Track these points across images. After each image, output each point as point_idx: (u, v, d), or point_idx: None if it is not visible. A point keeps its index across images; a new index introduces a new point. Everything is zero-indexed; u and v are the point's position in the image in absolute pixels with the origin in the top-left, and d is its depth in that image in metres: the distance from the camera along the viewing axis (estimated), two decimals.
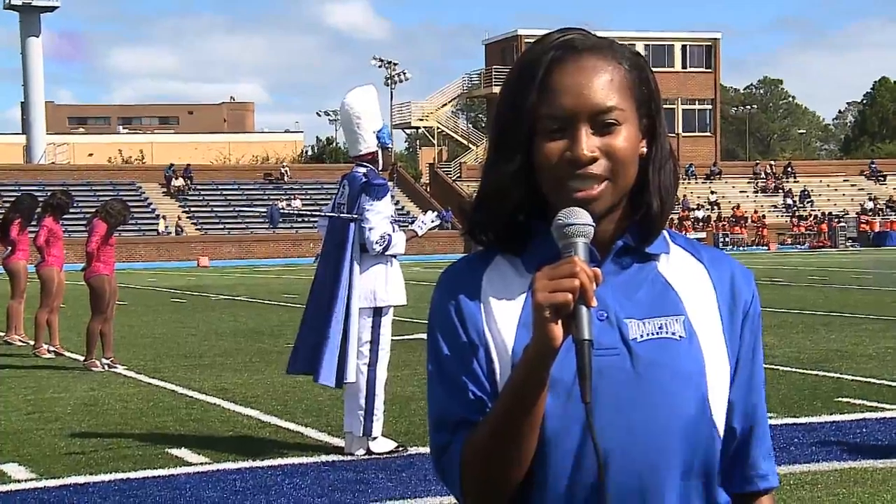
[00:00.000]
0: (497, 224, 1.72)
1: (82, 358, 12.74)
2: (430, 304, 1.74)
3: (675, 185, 1.74)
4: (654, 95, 1.72)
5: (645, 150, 1.71)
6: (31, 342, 14.38)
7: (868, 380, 10.56)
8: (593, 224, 1.59)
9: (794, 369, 11.30)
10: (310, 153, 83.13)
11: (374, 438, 7.61)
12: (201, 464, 7.52)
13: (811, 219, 59.95)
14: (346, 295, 7.46)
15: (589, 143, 1.63)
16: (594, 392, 1.57)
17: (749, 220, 58.99)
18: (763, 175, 65.83)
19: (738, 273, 1.77)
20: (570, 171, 1.63)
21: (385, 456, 7.55)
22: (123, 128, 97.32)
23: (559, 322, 1.51)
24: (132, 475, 7.22)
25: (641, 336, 1.67)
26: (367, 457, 7.56)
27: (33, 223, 15.08)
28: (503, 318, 1.69)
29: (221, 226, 54.93)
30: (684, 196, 59.59)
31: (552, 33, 1.71)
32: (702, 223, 57.60)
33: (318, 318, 7.48)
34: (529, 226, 1.72)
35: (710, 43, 71.89)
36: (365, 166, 7.77)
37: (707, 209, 60.25)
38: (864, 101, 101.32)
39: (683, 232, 51.57)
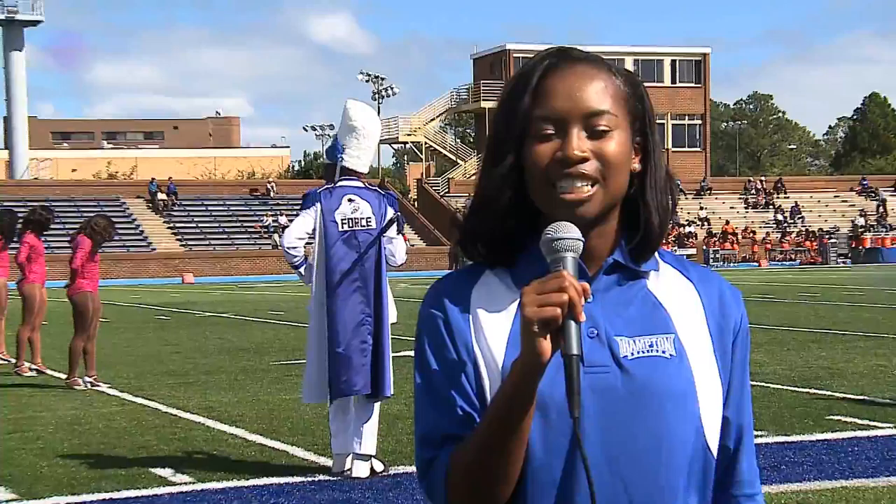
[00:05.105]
0: (488, 234, 1.73)
1: (64, 376, 12.70)
2: (417, 318, 1.75)
3: (673, 205, 1.76)
4: (648, 113, 1.74)
5: (639, 167, 1.73)
6: (13, 360, 14.32)
7: (860, 397, 10.58)
8: (582, 238, 1.60)
9: (784, 387, 11.31)
10: (296, 168, 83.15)
11: (371, 458, 7.58)
12: (185, 483, 7.49)
13: (797, 234, 60.06)
14: (388, 311, 7.57)
15: (580, 144, 1.66)
16: (584, 411, 1.58)
17: (740, 236, 59.15)
18: (753, 191, 66.05)
19: (727, 291, 1.79)
20: (560, 172, 1.65)
21: (372, 476, 7.53)
22: (108, 143, 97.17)
23: (547, 337, 1.52)
24: (115, 495, 7.19)
25: (632, 354, 1.67)
26: (364, 477, 7.50)
27: (14, 240, 15.02)
28: (492, 334, 1.69)
29: (206, 242, 54.87)
30: (674, 212, 59.62)
31: (547, 48, 1.75)
32: (690, 239, 57.68)
33: (365, 335, 7.46)
34: (520, 240, 1.73)
35: (699, 58, 72.19)
36: (353, 179, 7.73)
37: (697, 225, 60.40)
38: (855, 117, 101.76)
39: (673, 248, 51.66)
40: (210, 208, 57.99)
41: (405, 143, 72.28)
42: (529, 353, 1.53)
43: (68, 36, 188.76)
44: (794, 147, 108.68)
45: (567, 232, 1.59)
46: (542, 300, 1.52)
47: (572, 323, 1.52)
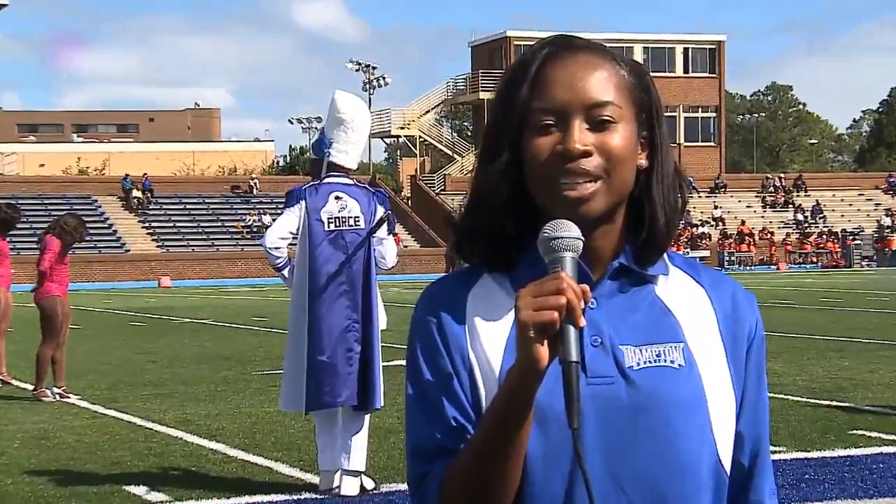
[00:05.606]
0: (485, 232, 1.73)
1: (31, 387, 12.69)
2: (410, 324, 1.75)
3: (682, 204, 1.76)
4: (654, 105, 1.74)
5: (645, 163, 1.73)
6: None
7: (885, 410, 10.60)
8: (582, 238, 1.59)
9: (804, 399, 11.33)
10: (281, 164, 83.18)
11: (361, 474, 7.59)
12: (161, 502, 7.49)
13: (818, 235, 60.10)
14: (378, 317, 7.58)
15: (582, 137, 1.66)
16: (586, 423, 1.58)
17: (758, 238, 59.22)
18: (771, 189, 66.14)
19: (741, 296, 1.79)
20: (561, 167, 1.65)
21: (361, 494, 7.55)
22: (78, 136, 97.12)
23: (545, 342, 1.52)
24: None
25: (638, 364, 1.68)
26: (353, 495, 7.51)
27: None
28: (489, 340, 1.69)
29: (185, 243, 54.87)
30: (687, 211, 59.70)
31: (547, 36, 1.76)
32: (704, 240, 57.74)
33: (352, 342, 7.46)
34: (519, 240, 1.73)
35: (714, 46, 72.21)
36: (340, 175, 7.73)
37: (711, 225, 60.46)
38: (881, 110, 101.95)
39: (685, 250, 51.72)
40: (188, 207, 58.00)
41: (398, 136, 72.31)
42: (526, 360, 1.53)
43: (67, 35, 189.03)
44: (816, 142, 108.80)
45: (565, 230, 1.59)
46: (538, 303, 1.52)
47: (571, 328, 1.52)
